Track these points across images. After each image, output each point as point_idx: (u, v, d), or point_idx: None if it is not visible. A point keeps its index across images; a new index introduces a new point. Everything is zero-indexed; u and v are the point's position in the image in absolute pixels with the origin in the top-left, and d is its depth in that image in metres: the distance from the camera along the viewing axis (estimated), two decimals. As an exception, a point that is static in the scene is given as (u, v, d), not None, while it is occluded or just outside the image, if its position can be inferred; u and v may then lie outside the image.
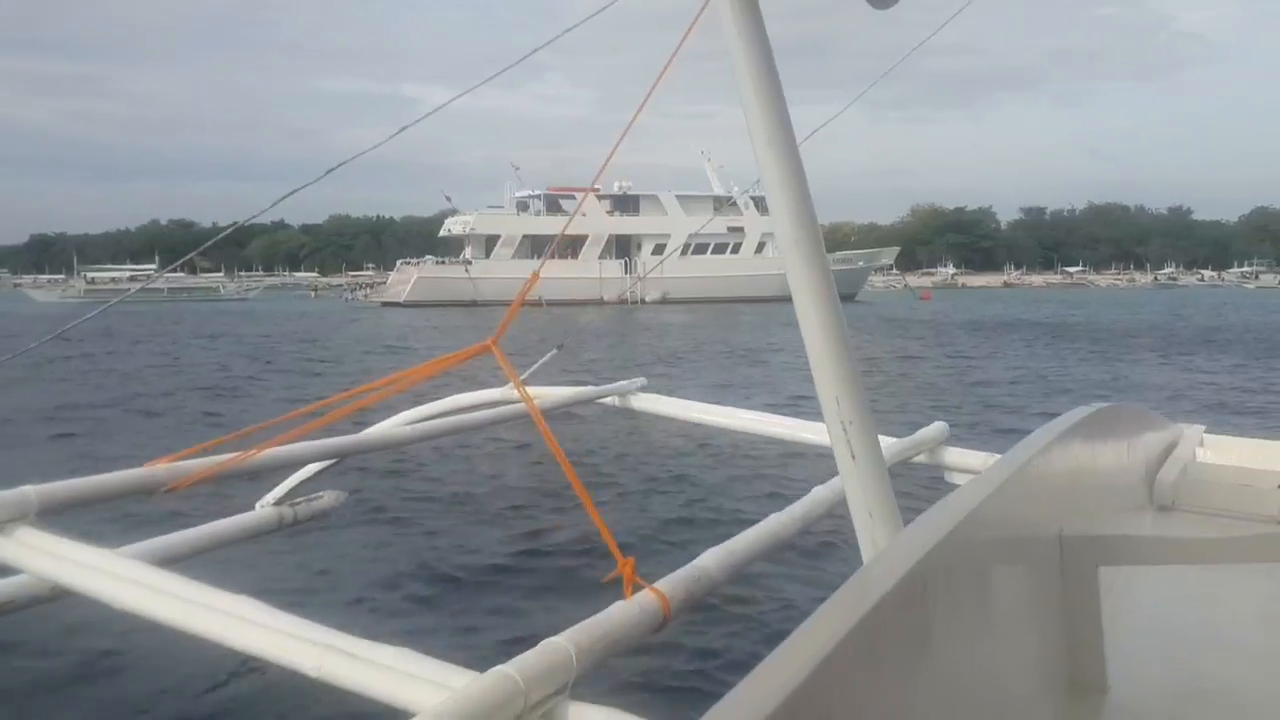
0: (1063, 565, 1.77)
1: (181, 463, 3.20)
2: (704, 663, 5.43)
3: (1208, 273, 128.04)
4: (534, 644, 1.91)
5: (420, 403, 5.38)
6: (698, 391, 11.25)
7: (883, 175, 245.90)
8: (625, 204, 69.45)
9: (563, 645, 1.92)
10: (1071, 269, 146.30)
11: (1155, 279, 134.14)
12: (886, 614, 1.00)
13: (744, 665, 1.77)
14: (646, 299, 62.83)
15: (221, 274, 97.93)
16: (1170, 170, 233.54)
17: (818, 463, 4.38)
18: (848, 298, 70.54)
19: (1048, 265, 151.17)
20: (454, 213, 68.19)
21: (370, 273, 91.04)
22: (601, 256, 65.58)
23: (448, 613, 6.37)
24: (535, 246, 66.52)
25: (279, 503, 4.44)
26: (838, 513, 3.13)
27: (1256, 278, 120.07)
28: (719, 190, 71.65)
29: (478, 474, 10.94)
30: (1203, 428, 4.65)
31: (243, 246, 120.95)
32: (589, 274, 62.98)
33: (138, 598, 2.39)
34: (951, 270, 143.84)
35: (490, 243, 65.41)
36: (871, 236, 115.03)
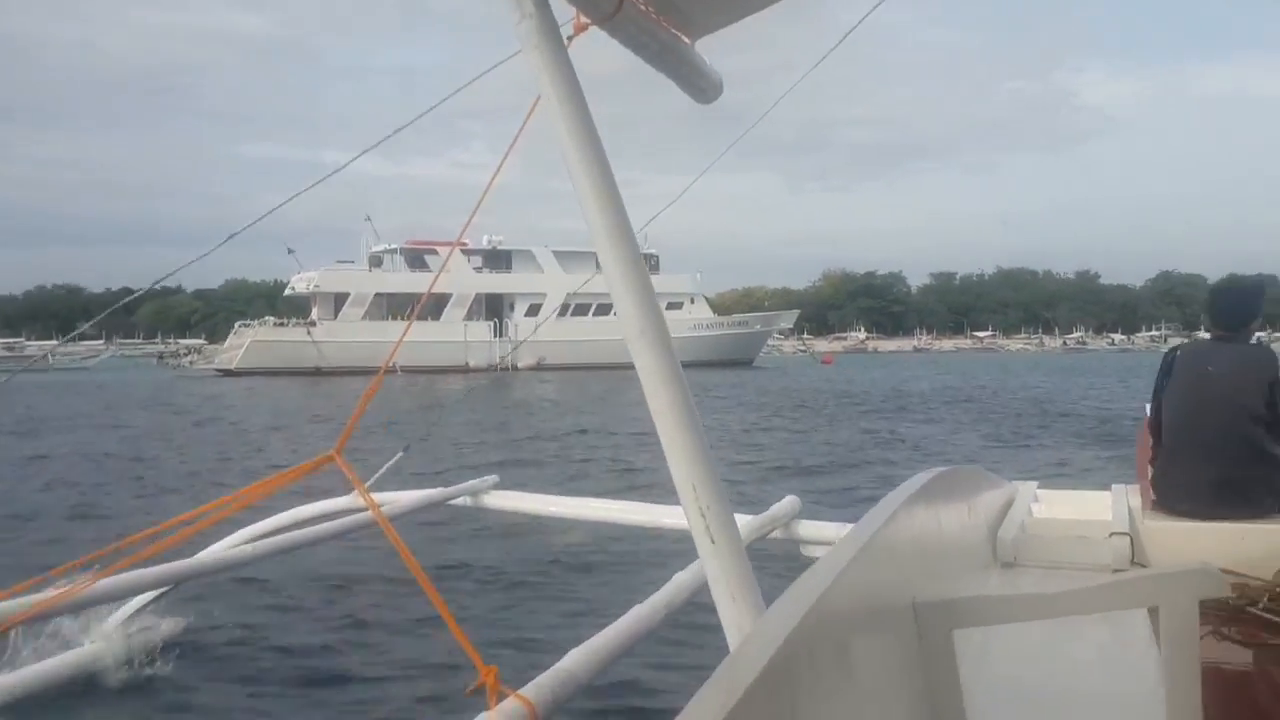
0: (919, 631, 1.81)
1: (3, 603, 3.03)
2: None
3: (1118, 336, 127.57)
4: None
5: (260, 516, 5.11)
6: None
7: (800, 243, 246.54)
8: (496, 260, 61.99)
9: None
10: (981, 333, 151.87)
11: (1064, 343, 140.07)
12: (755, 703, 1.02)
13: None
14: (519, 365, 55.02)
15: (102, 342, 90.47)
16: (1077, 236, 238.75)
17: (677, 547, 4.66)
18: (745, 362, 63.44)
19: (958, 329, 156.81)
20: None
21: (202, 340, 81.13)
22: (468, 318, 58.28)
23: None
24: (391, 306, 58.64)
25: (111, 636, 4.24)
26: (701, 598, 3.17)
27: (1165, 340, 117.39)
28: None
29: (326, 588, 10.03)
30: (1035, 484, 4.93)
31: (131, 313, 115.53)
32: (452, 337, 55.40)
33: None
34: (862, 334, 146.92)
35: (339, 302, 56.49)
36: (784, 300, 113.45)
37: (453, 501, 5.45)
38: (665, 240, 65.47)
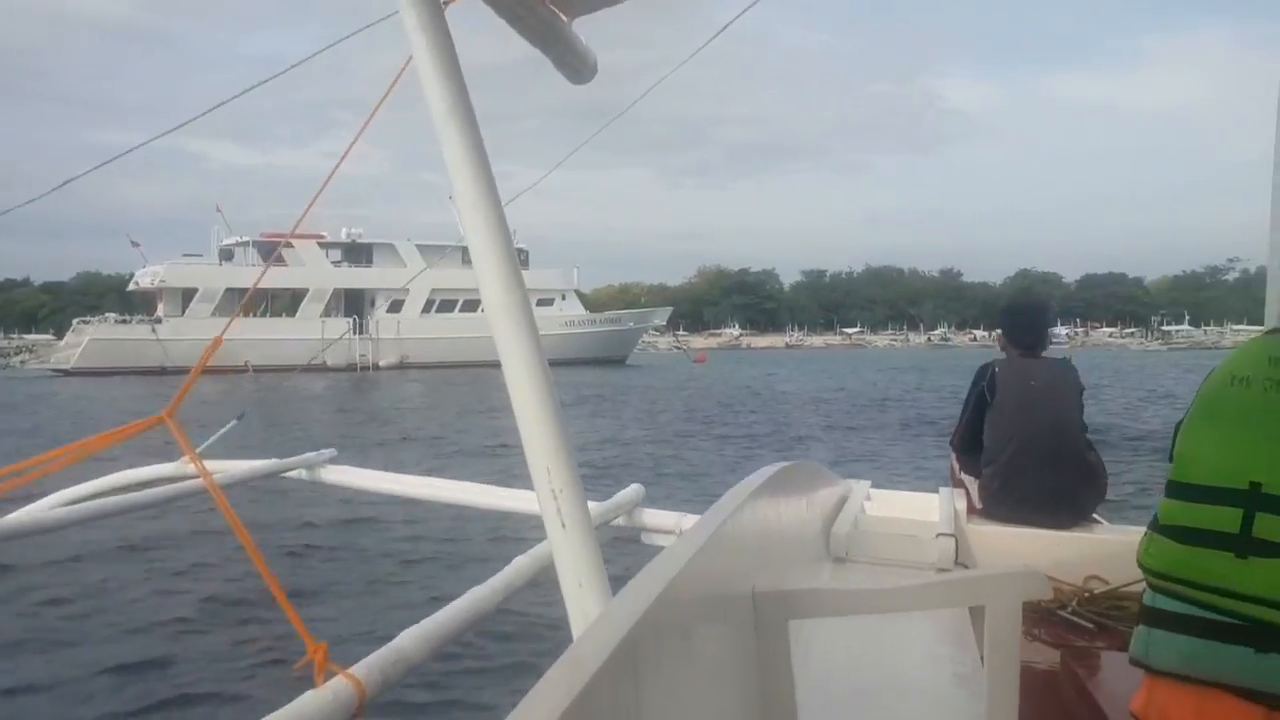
0: (756, 621, 1.87)
1: None
2: None
3: (979, 332, 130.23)
4: None
5: (78, 481, 4.95)
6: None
7: (677, 239, 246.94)
8: (355, 253, 59.24)
9: None
10: (850, 330, 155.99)
11: (929, 339, 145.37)
12: (602, 686, 1.03)
13: None
14: (381, 364, 52.20)
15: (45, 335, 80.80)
16: (941, 236, 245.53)
17: (517, 531, 5.05)
18: (618, 360, 62.09)
19: (828, 326, 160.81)
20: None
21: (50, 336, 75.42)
22: (326, 314, 54.69)
23: (119, 714, 5.95)
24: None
25: None
26: (541, 580, 3.23)
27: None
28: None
29: (149, 559, 9.99)
30: (869, 483, 5.13)
31: None
32: (309, 334, 52.26)
33: None
34: (737, 331, 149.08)
35: (187, 297, 52.91)
36: (661, 297, 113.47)
37: (289, 474, 5.30)
38: (543, 236, 63.92)
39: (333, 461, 5.40)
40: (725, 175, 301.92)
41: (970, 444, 4.64)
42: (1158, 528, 1.75)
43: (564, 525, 1.96)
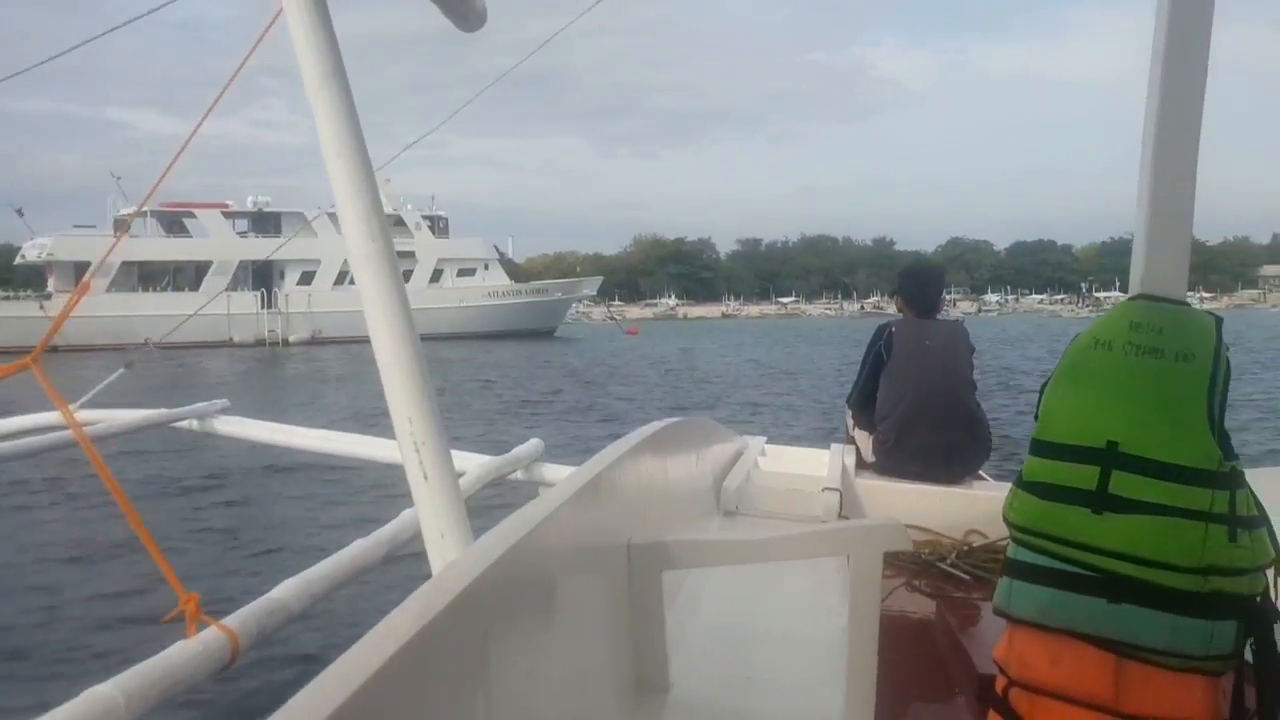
0: (630, 571, 1.91)
1: None
2: (275, 699, 2.71)
3: None
4: (67, 698, 1.82)
5: None
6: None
7: (612, 208, 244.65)
8: (263, 223, 55.83)
9: (109, 693, 1.84)
10: (786, 299, 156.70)
11: (862, 308, 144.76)
12: (446, 626, 1.03)
13: None
14: (290, 340, 48.78)
15: None
16: (875, 205, 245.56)
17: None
18: (546, 332, 59.10)
19: (764, 295, 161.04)
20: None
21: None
22: (232, 288, 50.83)
23: None
24: (144, 276, 50.55)
25: None
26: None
27: (955, 304, 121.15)
28: (386, 208, 56.86)
29: (15, 511, 9.98)
30: (764, 439, 5.22)
31: None
32: (214, 310, 48.17)
33: None
34: (673, 301, 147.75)
35: (80, 271, 48.90)
36: (596, 266, 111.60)
37: (178, 424, 5.08)
38: (478, 205, 60.90)
39: (225, 412, 5.25)
40: (659, 144, 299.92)
41: (865, 401, 4.80)
42: (1021, 483, 1.83)
43: (426, 477, 1.98)
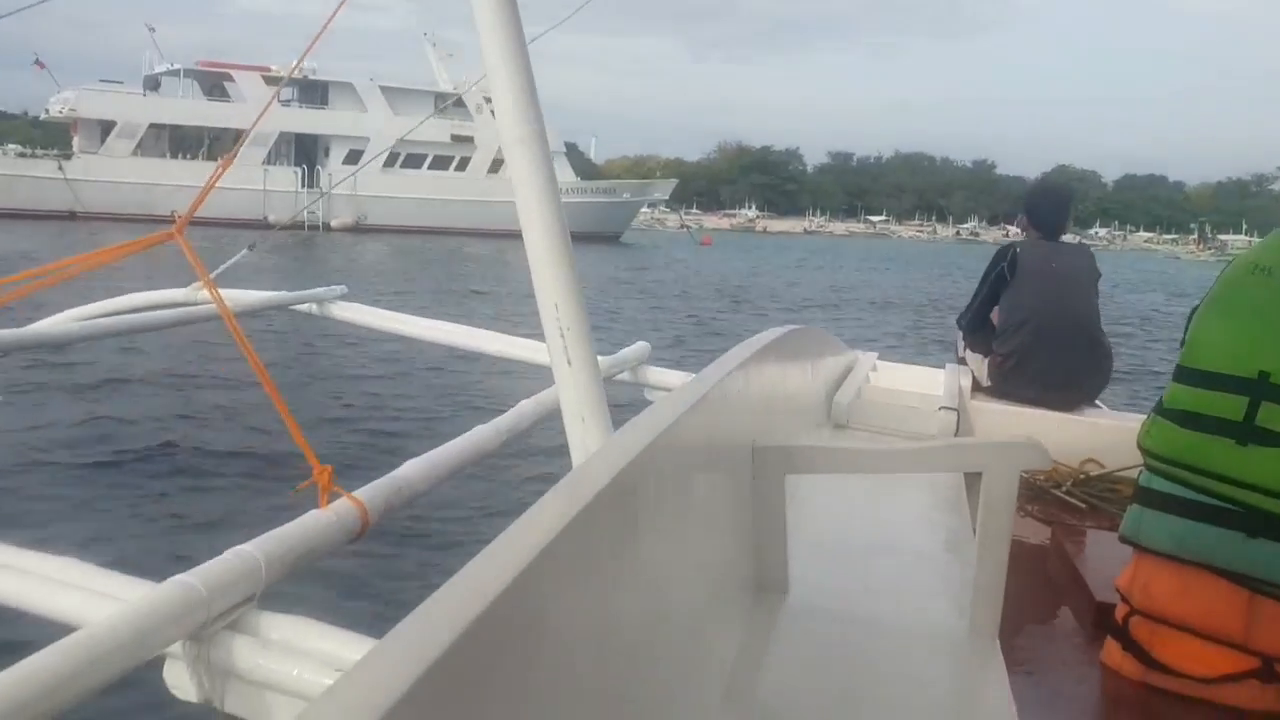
0: (754, 474, 1.95)
1: None
2: (404, 572, 5.74)
3: (1013, 229, 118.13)
4: (212, 556, 1.94)
5: (89, 301, 5.03)
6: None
7: (699, 113, 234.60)
8: (309, 92, 49.93)
9: (251, 553, 1.97)
10: (875, 218, 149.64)
11: (957, 233, 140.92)
12: (598, 512, 1.07)
13: (447, 574, 3.54)
14: (332, 224, 43.75)
15: None
16: (974, 125, 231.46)
17: (524, 378, 4.79)
18: (611, 237, 53.66)
19: (851, 212, 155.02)
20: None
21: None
22: (270, 162, 45.65)
23: (124, 523, 6.33)
24: (175, 142, 45.59)
25: None
26: (545, 426, 3.47)
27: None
28: (445, 86, 50.67)
29: (156, 378, 10.55)
30: (875, 354, 5.17)
31: None
32: (249, 184, 43.47)
33: None
34: (753, 213, 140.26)
35: (105, 131, 43.59)
36: (676, 171, 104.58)
37: (297, 308, 5.30)
38: (559, 103, 54.69)
39: (343, 298, 5.40)
40: (754, 49, 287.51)
41: (981, 323, 4.79)
42: (1161, 410, 1.83)
43: (569, 362, 2.02)
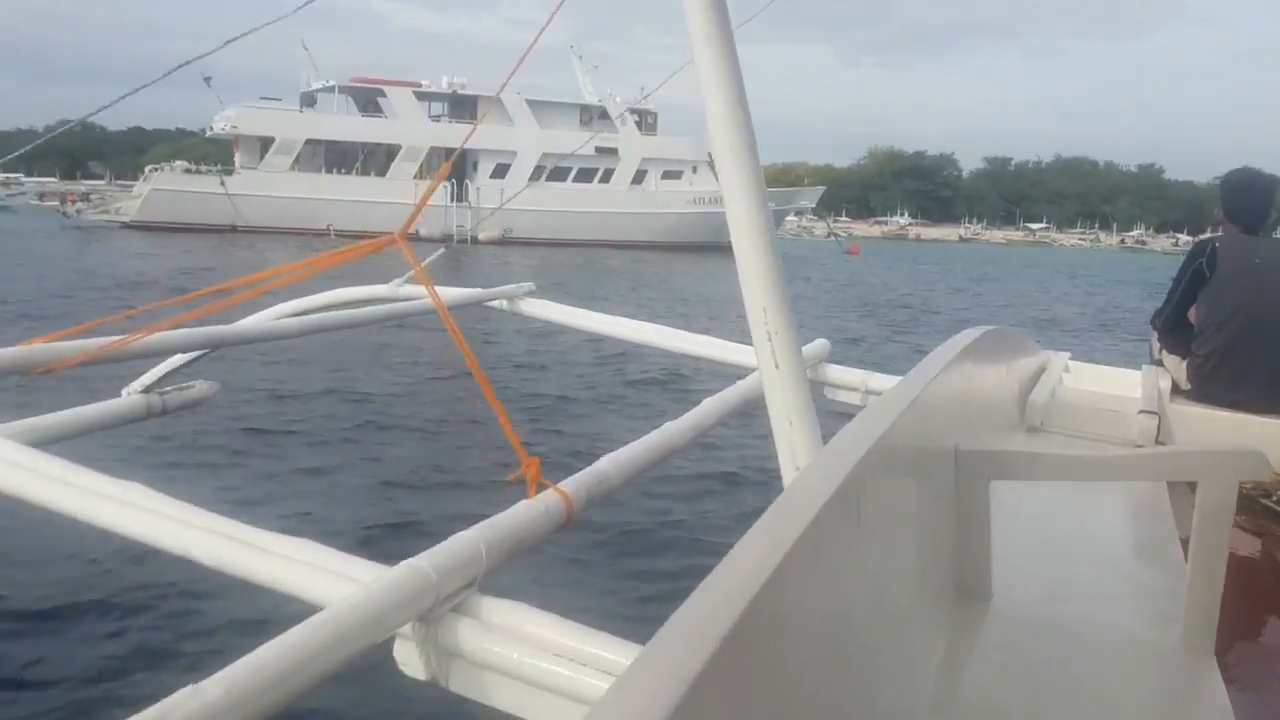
0: (957, 479, 1.97)
1: (60, 344, 3.23)
2: (605, 560, 5.92)
3: (1184, 237, 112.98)
4: (431, 540, 2.02)
5: (298, 296, 5.38)
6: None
7: (850, 119, 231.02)
8: (458, 107, 50.06)
9: (473, 540, 2.06)
10: (1034, 225, 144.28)
11: (1122, 241, 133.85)
12: (828, 518, 1.11)
13: (644, 566, 5.59)
14: (480, 237, 44.11)
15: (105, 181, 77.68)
16: (1141, 129, 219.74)
17: (701, 377, 5.74)
18: (753, 246, 50.73)
19: (1009, 219, 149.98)
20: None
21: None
22: (420, 176, 46.51)
23: (340, 505, 6.73)
24: (332, 156, 46.96)
25: (147, 390, 4.46)
26: (728, 422, 3.62)
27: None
28: (590, 99, 50.60)
29: (362, 370, 11.22)
30: (1068, 355, 5.12)
31: (142, 153, 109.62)
32: (400, 198, 44.57)
33: (16, 479, 2.41)
34: (905, 220, 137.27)
35: (265, 147, 45.20)
36: (825, 178, 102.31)
37: (490, 304, 5.50)
38: (636, 86, 53.54)
39: (531, 295, 5.63)
40: (909, 54, 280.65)
41: (1177, 322, 4.58)
42: None
43: (777, 365, 2.09)
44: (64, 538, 4.30)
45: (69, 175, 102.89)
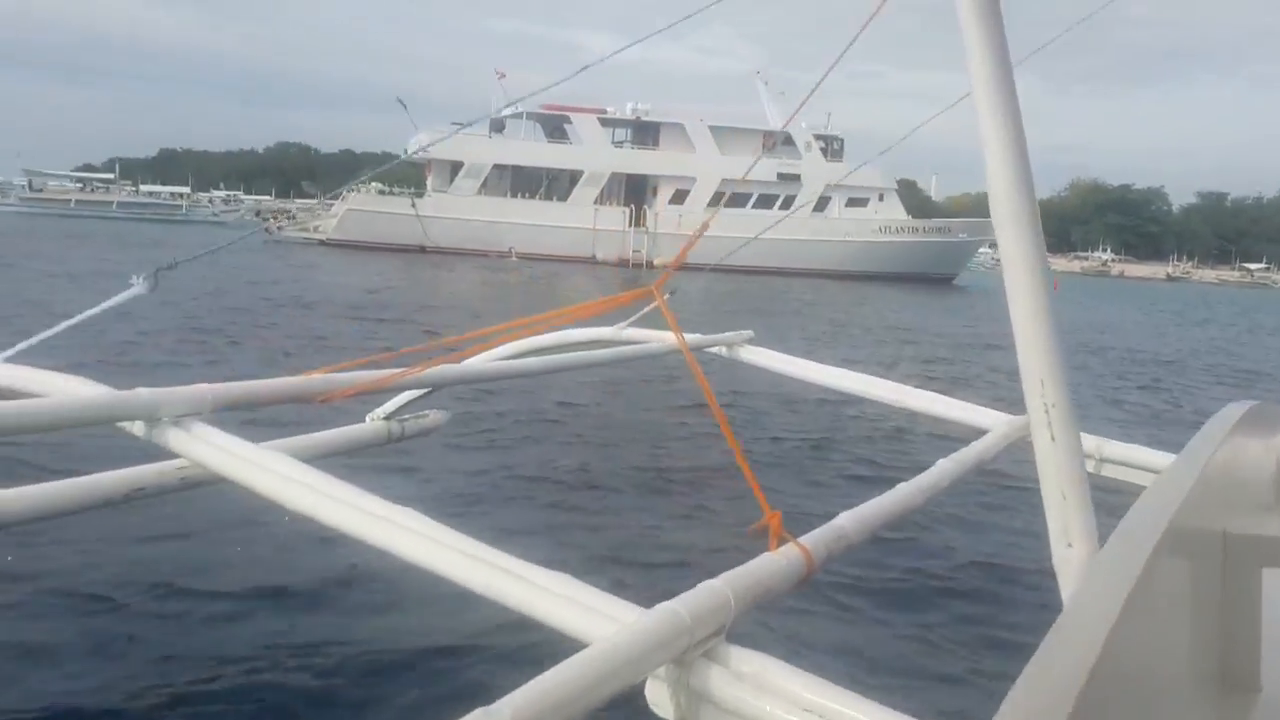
0: (1224, 564, 1.88)
1: (335, 375, 3.59)
2: (845, 621, 5.76)
3: None
4: (672, 583, 2.09)
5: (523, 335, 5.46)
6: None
7: (1054, 150, 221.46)
8: (641, 133, 50.67)
9: (721, 589, 2.08)
10: (1253, 265, 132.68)
11: None
12: (1137, 605, 1.15)
13: (883, 623, 5.42)
14: (655, 262, 44.82)
15: (316, 200, 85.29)
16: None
17: (932, 434, 5.48)
18: (944, 279, 50.09)
19: (1223, 258, 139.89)
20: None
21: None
22: (601, 201, 47.12)
23: (579, 542, 6.71)
24: (518, 181, 47.91)
25: (389, 417, 4.81)
26: (962, 485, 3.58)
27: None
28: (775, 124, 50.18)
29: (588, 408, 11.49)
30: None
31: (351, 174, 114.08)
32: (580, 223, 45.03)
33: (298, 496, 2.63)
34: (1108, 255, 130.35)
35: (455, 171, 46.74)
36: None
37: (709, 350, 5.44)
38: (824, 108, 51.99)
39: (750, 342, 5.54)
40: (1120, 82, 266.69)
41: None
42: None
43: (1053, 438, 2.05)
44: (342, 552, 4.77)
45: (283, 194, 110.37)
